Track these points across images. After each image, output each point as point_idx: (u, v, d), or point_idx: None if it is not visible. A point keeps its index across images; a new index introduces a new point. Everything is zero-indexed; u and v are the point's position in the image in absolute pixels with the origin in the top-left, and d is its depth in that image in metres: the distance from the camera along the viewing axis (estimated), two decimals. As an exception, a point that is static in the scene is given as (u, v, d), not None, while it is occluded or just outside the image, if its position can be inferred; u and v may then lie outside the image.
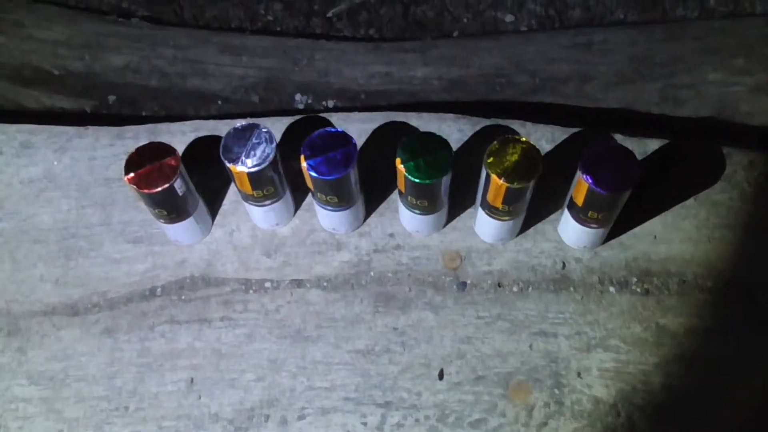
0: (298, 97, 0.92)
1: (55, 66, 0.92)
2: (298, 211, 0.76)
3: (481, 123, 0.78)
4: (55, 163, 0.78)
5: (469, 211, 0.75)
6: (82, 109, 0.91)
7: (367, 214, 0.75)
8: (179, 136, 0.78)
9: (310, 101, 0.92)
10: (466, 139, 0.77)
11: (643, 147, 0.77)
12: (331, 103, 0.91)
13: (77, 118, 0.88)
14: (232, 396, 0.69)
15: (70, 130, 0.80)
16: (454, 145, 0.76)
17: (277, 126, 0.78)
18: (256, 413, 0.68)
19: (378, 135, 0.78)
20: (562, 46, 0.91)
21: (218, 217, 0.75)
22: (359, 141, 0.77)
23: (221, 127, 0.79)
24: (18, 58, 0.92)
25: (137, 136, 0.79)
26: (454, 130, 0.78)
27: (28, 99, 0.91)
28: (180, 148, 0.76)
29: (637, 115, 0.88)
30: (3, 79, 0.91)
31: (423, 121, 0.79)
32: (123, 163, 0.74)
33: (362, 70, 0.92)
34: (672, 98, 0.88)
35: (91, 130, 0.80)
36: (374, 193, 0.75)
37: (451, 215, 0.74)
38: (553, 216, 0.74)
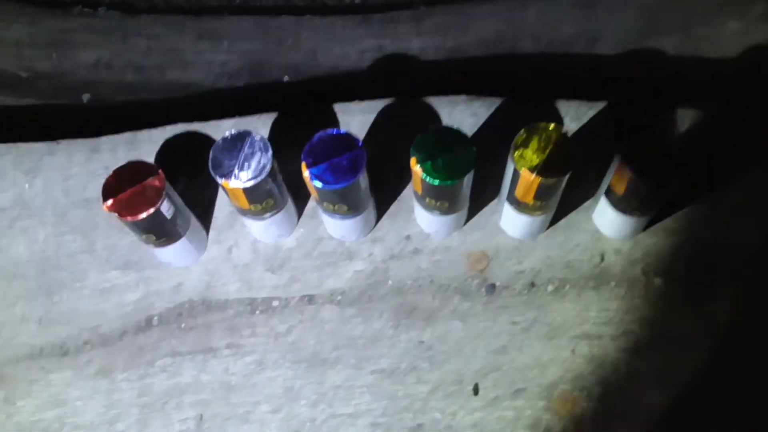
0: (286, 79, 0.83)
1: (21, 68, 0.84)
2: (302, 218, 0.68)
3: (497, 104, 0.70)
4: (27, 186, 0.70)
5: (492, 203, 0.67)
6: (56, 113, 0.82)
7: (379, 216, 0.67)
8: (161, 143, 0.70)
9: (298, 85, 0.83)
10: (481, 123, 0.69)
11: (681, 116, 0.69)
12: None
13: (46, 129, 0.79)
14: (247, 431, 0.62)
15: (41, 147, 0.71)
16: (469, 131, 0.68)
17: (267, 123, 0.70)
18: (276, 450, 0.61)
19: (382, 124, 0.70)
20: (563, 6, 0.82)
21: (213, 233, 0.68)
22: (361, 131, 0.69)
23: (207, 130, 0.70)
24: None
25: (115, 149, 0.71)
26: (468, 115, 0.70)
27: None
28: (163, 157, 0.69)
29: (656, 73, 0.80)
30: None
31: (432, 107, 0.71)
32: (101, 180, 0.67)
33: (353, 45, 0.84)
34: (692, 50, 0.80)
35: (63, 145, 0.72)
36: (384, 191, 0.68)
37: (473, 210, 0.66)
38: (586, 203, 0.67)
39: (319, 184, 0.56)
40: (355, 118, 0.70)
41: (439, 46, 0.83)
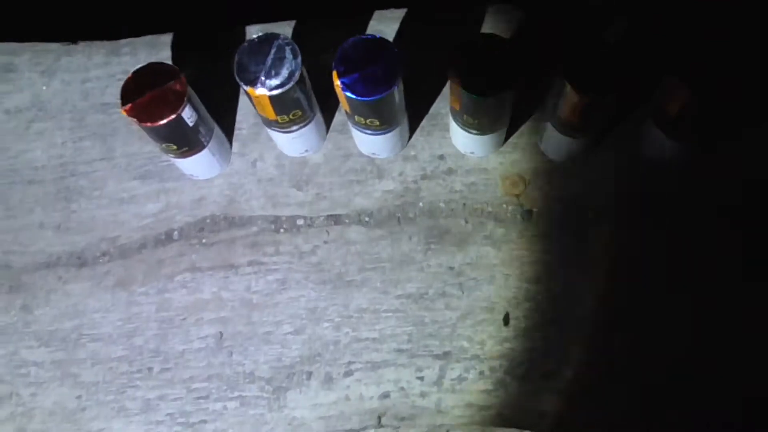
0: None
1: None
2: (330, 132, 0.64)
3: (540, 11, 0.65)
4: (44, 88, 0.67)
5: (535, 122, 0.63)
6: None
7: (411, 132, 0.64)
8: (183, 50, 0.66)
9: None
10: (522, 30, 0.64)
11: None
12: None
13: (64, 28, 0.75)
14: (268, 352, 0.60)
15: (57, 47, 0.68)
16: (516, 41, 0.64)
17: (296, 28, 0.65)
18: (297, 370, 0.59)
19: (419, 33, 0.65)
20: None
21: (237, 145, 0.64)
22: (396, 41, 0.64)
23: (233, 36, 0.66)
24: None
25: (135, 52, 0.67)
26: (512, 23, 0.65)
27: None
28: (186, 62, 0.65)
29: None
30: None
31: (474, 16, 0.66)
32: (121, 84, 0.63)
33: None
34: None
35: (81, 46, 0.68)
36: (417, 106, 0.64)
37: (511, 129, 0.62)
38: (629, 126, 0.62)
39: (351, 94, 0.52)
40: (390, 26, 0.65)
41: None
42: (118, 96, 0.63)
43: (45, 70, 0.67)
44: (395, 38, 0.65)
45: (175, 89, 0.53)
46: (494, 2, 0.66)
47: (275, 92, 0.53)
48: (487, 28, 0.65)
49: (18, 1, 0.77)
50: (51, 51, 0.68)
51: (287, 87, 0.52)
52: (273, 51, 0.53)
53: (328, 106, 0.64)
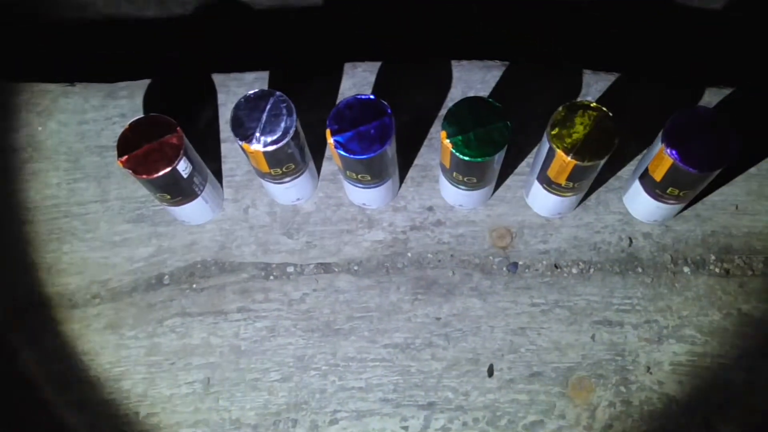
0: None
1: None
2: (322, 181, 0.66)
3: (531, 70, 0.67)
4: (39, 128, 0.68)
5: (520, 177, 0.64)
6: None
7: (401, 183, 0.65)
8: (182, 92, 0.67)
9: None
10: (515, 89, 0.66)
11: (719, 95, 0.66)
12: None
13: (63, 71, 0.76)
14: (255, 399, 0.61)
15: (55, 87, 0.69)
16: (501, 100, 0.65)
17: (289, 77, 0.67)
18: (283, 418, 0.60)
19: (410, 85, 0.67)
20: None
21: (230, 191, 0.65)
22: (387, 92, 0.66)
23: (229, 83, 0.68)
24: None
25: (132, 95, 0.68)
26: (502, 82, 0.66)
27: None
28: (182, 106, 0.66)
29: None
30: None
31: (463, 71, 0.67)
32: (116, 128, 0.65)
33: None
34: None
35: (79, 88, 0.69)
36: (409, 156, 0.65)
37: (498, 182, 0.64)
38: (617, 182, 0.64)
39: (344, 153, 0.53)
40: (381, 75, 0.66)
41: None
42: (114, 138, 0.64)
43: (42, 111, 0.68)
44: (384, 88, 0.66)
45: (171, 142, 0.54)
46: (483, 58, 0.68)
47: (269, 148, 0.54)
48: (476, 82, 0.66)
49: (16, 40, 0.77)
50: (48, 92, 0.69)
51: (281, 144, 0.54)
52: (269, 107, 0.54)
53: (321, 154, 0.65)
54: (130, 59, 0.76)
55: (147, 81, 0.69)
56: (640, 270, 0.62)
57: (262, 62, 0.69)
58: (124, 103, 0.68)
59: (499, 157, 0.55)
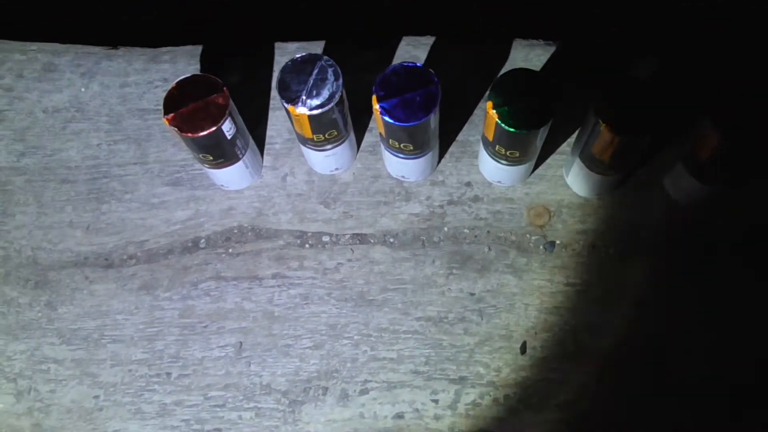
0: None
1: None
2: (361, 153, 0.65)
3: (574, 46, 0.66)
4: (83, 89, 0.68)
5: (561, 156, 0.64)
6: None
7: (440, 158, 0.65)
8: (225, 59, 0.67)
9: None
10: (558, 68, 0.65)
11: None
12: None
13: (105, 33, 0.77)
14: (286, 365, 0.61)
15: (99, 50, 0.69)
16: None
17: (335, 48, 0.66)
18: (313, 385, 0.60)
19: (455, 62, 0.66)
20: None
21: (269, 158, 0.66)
22: (428, 64, 0.66)
23: (272, 52, 0.68)
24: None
25: (174, 60, 0.68)
26: (545, 60, 0.66)
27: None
28: (225, 73, 0.66)
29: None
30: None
31: (507, 49, 0.67)
32: (158, 92, 0.65)
33: None
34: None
35: (122, 51, 0.69)
36: (447, 132, 0.65)
37: (538, 161, 0.63)
38: (658, 165, 0.63)
39: (389, 119, 0.53)
40: (424, 51, 0.66)
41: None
42: (156, 102, 0.65)
43: (85, 72, 0.68)
44: (428, 63, 0.66)
45: (217, 102, 0.54)
46: (525, 36, 0.67)
47: (315, 112, 0.54)
48: (519, 60, 0.66)
49: (62, 2, 0.78)
50: (92, 54, 0.69)
51: (327, 108, 0.54)
52: (315, 71, 0.54)
53: (361, 126, 0.65)
54: (175, 25, 0.76)
55: (190, 47, 0.69)
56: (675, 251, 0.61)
57: (305, 33, 0.69)
58: (166, 68, 0.68)
59: (543, 131, 0.54)
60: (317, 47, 0.68)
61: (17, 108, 0.68)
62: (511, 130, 0.53)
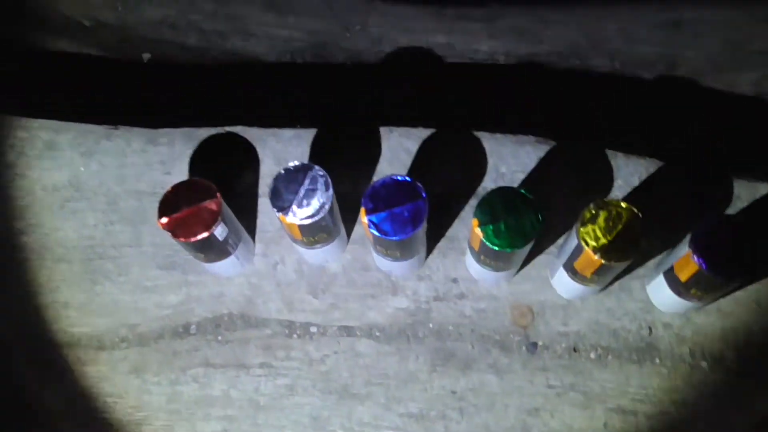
0: (348, 65, 0.81)
1: (85, 17, 0.82)
2: (351, 245, 0.67)
3: (563, 147, 0.67)
4: (82, 168, 0.70)
5: (547, 256, 0.65)
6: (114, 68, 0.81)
7: (428, 252, 0.66)
8: (219, 142, 0.69)
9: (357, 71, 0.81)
10: (546, 167, 0.67)
11: (753, 191, 0.66)
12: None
13: (104, 85, 0.78)
14: (269, 455, 0.62)
15: (99, 129, 0.71)
16: (533, 175, 0.67)
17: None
18: (295, 476, 0.62)
19: (440, 155, 0.68)
20: (647, 24, 0.78)
21: (260, 245, 0.67)
22: (418, 160, 0.67)
23: (267, 138, 0.69)
24: (46, 5, 0.82)
25: (172, 142, 0.70)
26: (534, 159, 0.68)
27: (58, 44, 0.81)
28: (219, 157, 0.68)
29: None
30: (31, 26, 0.82)
31: (497, 144, 0.69)
32: (155, 174, 0.67)
33: (420, 38, 0.81)
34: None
35: (122, 131, 0.71)
36: (437, 226, 0.66)
37: (525, 262, 0.65)
38: (641, 270, 0.65)
39: (377, 233, 0.54)
40: (415, 143, 0.68)
41: (509, 52, 0.80)
42: (152, 184, 0.66)
43: (85, 152, 0.70)
44: (420, 156, 0.68)
45: (210, 208, 0.56)
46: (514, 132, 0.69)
47: (305, 222, 0.55)
48: (508, 156, 0.68)
49: (63, 81, 0.80)
50: (92, 132, 0.71)
51: (317, 218, 0.55)
52: (307, 181, 0.56)
53: (353, 218, 0.66)
54: (172, 105, 0.78)
55: (187, 129, 0.70)
56: (657, 360, 0.63)
57: (298, 117, 0.71)
58: (163, 150, 0.70)
59: (527, 247, 0.56)
60: (310, 134, 0.69)
61: (18, 185, 0.69)
62: (495, 248, 0.54)
